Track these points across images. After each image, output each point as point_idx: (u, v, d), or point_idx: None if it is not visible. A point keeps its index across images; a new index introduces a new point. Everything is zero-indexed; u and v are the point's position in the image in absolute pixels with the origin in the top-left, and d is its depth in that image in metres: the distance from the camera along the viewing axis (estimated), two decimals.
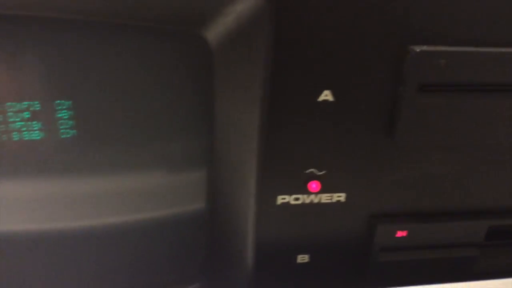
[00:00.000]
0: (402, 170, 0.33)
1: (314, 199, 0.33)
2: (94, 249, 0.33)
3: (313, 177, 0.32)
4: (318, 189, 0.33)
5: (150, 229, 0.34)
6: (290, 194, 0.33)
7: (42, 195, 0.30)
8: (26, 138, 0.27)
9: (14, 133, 0.27)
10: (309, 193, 0.33)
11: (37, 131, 0.27)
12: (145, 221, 0.34)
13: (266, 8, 0.24)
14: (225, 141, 0.29)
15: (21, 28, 0.25)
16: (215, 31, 0.25)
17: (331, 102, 0.29)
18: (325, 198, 0.33)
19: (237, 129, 0.29)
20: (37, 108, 0.27)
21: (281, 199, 0.33)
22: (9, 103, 0.26)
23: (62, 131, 0.28)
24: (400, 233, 0.35)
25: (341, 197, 0.33)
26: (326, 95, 0.29)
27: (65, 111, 0.27)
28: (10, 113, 0.26)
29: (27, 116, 0.27)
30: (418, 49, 0.28)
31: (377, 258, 0.35)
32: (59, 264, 0.33)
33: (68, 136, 0.28)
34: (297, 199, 0.33)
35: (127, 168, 0.31)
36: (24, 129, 0.27)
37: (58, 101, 0.27)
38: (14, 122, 0.27)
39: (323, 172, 0.32)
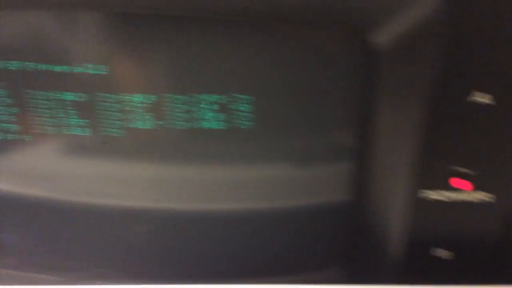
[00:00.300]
0: None
1: (459, 196, 0.34)
2: (240, 231, 0.37)
3: (459, 174, 0.34)
4: (466, 187, 0.34)
5: (294, 216, 0.37)
6: (434, 189, 0.34)
7: (217, 179, 0.34)
8: (213, 127, 0.32)
9: (203, 122, 0.32)
10: (453, 190, 0.34)
11: (222, 122, 0.32)
12: (291, 208, 0.37)
13: (443, 11, 0.26)
14: (379, 137, 0.32)
15: (222, 30, 0.29)
16: (384, 33, 0.28)
17: (489, 104, 0.30)
18: (472, 196, 0.34)
19: (395, 126, 0.31)
20: (224, 101, 0.31)
21: (424, 194, 0.34)
22: (202, 96, 0.31)
23: (241, 122, 0.32)
24: None
25: (489, 197, 0.34)
26: (483, 97, 0.31)
27: (246, 105, 0.31)
28: (202, 105, 0.31)
29: (215, 108, 0.31)
30: None
31: None
32: (204, 244, 0.38)
33: (246, 127, 0.32)
34: (441, 194, 0.34)
35: (287, 158, 0.34)
36: (212, 119, 0.31)
37: (241, 95, 0.31)
38: (204, 112, 0.31)
39: (472, 171, 0.33)
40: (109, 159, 0.33)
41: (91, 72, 0.28)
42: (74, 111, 0.30)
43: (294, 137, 0.34)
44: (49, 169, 0.33)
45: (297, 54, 0.31)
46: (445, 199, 0.34)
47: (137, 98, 0.30)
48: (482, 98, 0.31)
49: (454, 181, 0.33)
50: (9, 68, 0.28)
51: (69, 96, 0.29)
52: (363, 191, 0.35)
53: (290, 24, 0.30)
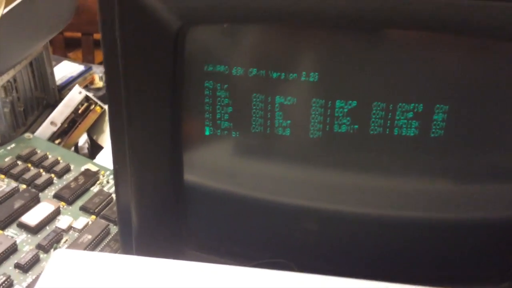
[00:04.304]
0: None
1: None
2: (414, 237, 0.37)
3: None
4: None
5: (470, 227, 0.37)
6: None
7: (391, 185, 0.36)
8: (404, 134, 0.33)
9: (395, 128, 0.33)
10: None
11: (413, 129, 0.32)
12: (468, 219, 0.36)
13: None
14: None
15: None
16: None
17: None
18: None
19: None
20: (420, 110, 0.32)
21: None
22: (400, 104, 0.32)
23: (433, 130, 0.32)
24: None
25: None
26: None
27: (441, 114, 0.32)
28: (398, 112, 0.32)
29: (410, 115, 0.32)
30: None
31: None
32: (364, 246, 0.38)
33: (436, 135, 0.32)
34: None
35: (465, 172, 0.34)
36: (405, 126, 0.32)
37: (438, 105, 0.31)
38: (399, 119, 0.32)
39: None
40: (301, 162, 0.35)
41: (303, 78, 0.31)
42: (282, 114, 0.33)
43: (477, 151, 0.33)
44: (246, 168, 0.37)
45: (492, 68, 0.31)
46: None
47: (340, 103, 0.32)
48: None
49: None
50: (233, 73, 0.32)
51: (280, 100, 0.32)
52: None
53: (487, 39, 0.30)
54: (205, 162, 0.37)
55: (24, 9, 0.53)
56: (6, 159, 0.52)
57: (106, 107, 0.63)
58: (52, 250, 0.42)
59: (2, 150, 0.54)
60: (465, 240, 0.37)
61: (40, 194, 0.48)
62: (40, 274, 0.35)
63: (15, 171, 0.49)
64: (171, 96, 0.33)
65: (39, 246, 0.42)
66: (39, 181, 0.49)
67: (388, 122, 0.32)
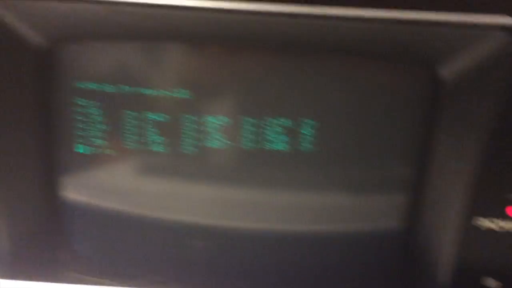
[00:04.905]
0: None
1: None
2: (293, 252, 0.39)
3: None
4: None
5: (353, 239, 0.38)
6: (489, 217, 0.35)
7: (276, 201, 0.37)
8: (275, 148, 0.34)
9: (266, 143, 0.34)
10: (508, 218, 0.35)
11: (283, 143, 0.34)
12: (343, 233, 0.38)
13: (509, 47, 0.28)
14: (435, 167, 0.33)
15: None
16: (450, 69, 0.30)
17: None
18: None
19: (454, 156, 0.32)
20: (288, 125, 0.34)
21: (478, 222, 0.35)
22: (270, 119, 0.33)
23: (302, 145, 0.34)
24: None
25: None
26: None
27: (309, 129, 0.34)
28: (267, 127, 0.34)
29: (279, 130, 0.34)
30: None
31: None
32: (258, 262, 0.39)
33: (306, 150, 0.34)
34: (495, 223, 0.35)
35: (342, 185, 0.36)
36: (274, 140, 0.34)
37: (305, 120, 0.33)
38: (268, 134, 0.34)
39: None
40: (179, 177, 0.36)
41: (174, 95, 0.32)
42: (155, 130, 0.33)
43: (351, 164, 0.36)
44: (124, 184, 0.36)
45: (363, 85, 0.33)
46: (498, 229, 0.35)
47: (212, 119, 0.33)
48: None
49: (510, 210, 0.34)
50: (105, 90, 0.32)
51: (153, 116, 0.32)
52: (416, 219, 0.36)
53: (359, 58, 0.32)
54: (83, 181, 0.36)
55: None
56: None
57: None
58: None
59: None
60: (349, 252, 0.39)
61: None
62: None
63: None
64: (39, 113, 0.32)
65: None
66: None
67: (261, 136, 0.34)
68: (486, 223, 0.35)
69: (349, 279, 0.40)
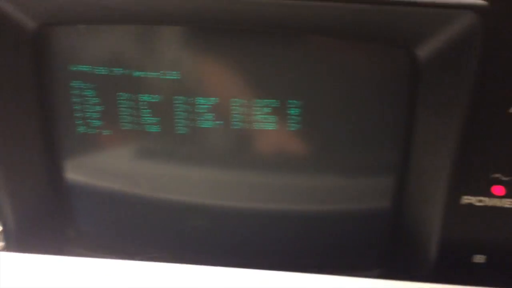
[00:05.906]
0: None
1: (498, 203, 0.36)
2: (293, 229, 0.40)
3: (499, 181, 0.35)
4: (503, 194, 0.35)
5: (343, 218, 0.40)
6: (475, 195, 0.36)
7: (265, 180, 0.38)
8: (265, 128, 0.35)
9: (255, 123, 0.35)
10: (493, 196, 0.36)
11: (273, 123, 0.35)
12: (338, 211, 0.39)
13: (479, 26, 0.28)
14: (421, 147, 0.34)
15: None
16: (425, 48, 0.30)
17: None
18: (509, 203, 0.36)
19: (435, 134, 0.33)
20: (276, 105, 0.35)
21: (465, 200, 0.36)
22: (258, 100, 0.35)
23: (289, 124, 0.35)
24: None
25: None
26: None
27: (295, 108, 0.35)
28: (256, 108, 0.35)
29: (267, 110, 0.35)
30: None
31: None
32: (257, 237, 0.41)
33: (293, 129, 0.36)
34: (480, 201, 0.36)
35: (330, 165, 0.38)
36: (264, 121, 0.35)
37: (290, 101, 0.35)
38: (256, 115, 0.35)
39: (510, 178, 0.35)
40: (174, 157, 0.37)
41: (165, 77, 0.33)
42: (149, 111, 0.34)
43: (337, 145, 0.37)
44: (123, 165, 0.38)
45: (344, 67, 0.34)
46: (479, 204, 0.36)
47: (202, 100, 0.34)
48: None
49: (495, 188, 0.35)
50: (98, 73, 0.33)
51: (146, 98, 0.34)
52: (405, 198, 0.37)
53: (340, 39, 0.33)
54: (85, 161, 0.38)
55: None
56: None
57: None
58: None
59: None
60: (339, 230, 0.40)
61: None
62: None
63: None
64: (38, 96, 0.33)
65: None
66: None
67: (248, 117, 0.35)
68: (473, 201, 0.36)
69: (339, 258, 0.41)
